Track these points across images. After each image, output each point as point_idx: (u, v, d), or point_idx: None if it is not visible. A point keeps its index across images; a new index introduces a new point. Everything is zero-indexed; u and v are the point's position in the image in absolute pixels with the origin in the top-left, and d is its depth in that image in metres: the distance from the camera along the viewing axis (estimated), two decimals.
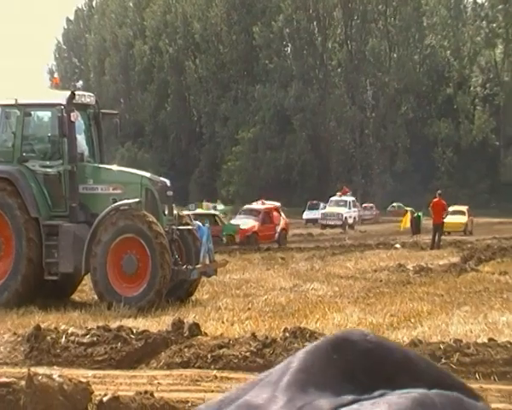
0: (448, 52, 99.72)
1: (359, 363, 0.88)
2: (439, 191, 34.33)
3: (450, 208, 46.85)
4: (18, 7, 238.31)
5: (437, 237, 32.22)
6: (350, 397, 0.86)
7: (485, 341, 9.75)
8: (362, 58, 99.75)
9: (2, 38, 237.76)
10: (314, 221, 61.46)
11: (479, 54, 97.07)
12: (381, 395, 0.86)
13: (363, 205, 74.45)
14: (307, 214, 66.24)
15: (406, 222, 43.17)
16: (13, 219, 15.65)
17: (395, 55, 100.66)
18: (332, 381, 0.87)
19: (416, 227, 40.99)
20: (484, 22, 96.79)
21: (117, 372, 9.15)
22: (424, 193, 66.72)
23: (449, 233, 42.60)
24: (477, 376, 8.59)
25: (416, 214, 42.49)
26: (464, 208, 52.10)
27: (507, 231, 47.21)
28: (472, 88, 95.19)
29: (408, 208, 48.83)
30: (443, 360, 8.84)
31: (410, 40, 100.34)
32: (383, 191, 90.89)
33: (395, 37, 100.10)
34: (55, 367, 9.19)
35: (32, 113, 16.71)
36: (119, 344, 9.71)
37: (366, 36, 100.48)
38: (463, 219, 49.86)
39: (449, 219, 44.35)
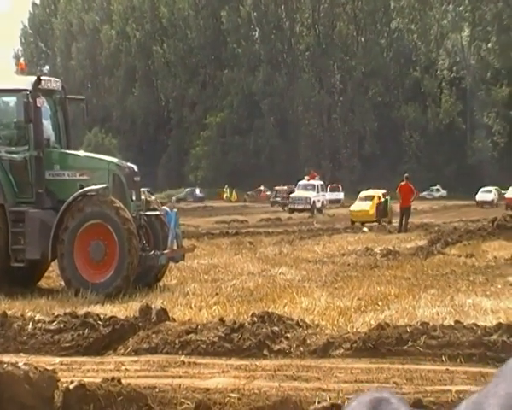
0: (415, 36, 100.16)
1: None
2: (406, 175, 34.46)
3: (363, 193, 44.02)
4: None
5: (404, 221, 32.37)
6: None
7: (452, 323, 9.82)
8: (329, 42, 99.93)
9: None
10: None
11: (445, 37, 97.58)
12: None
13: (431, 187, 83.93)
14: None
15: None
16: None
17: (362, 40, 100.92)
18: None
19: (383, 211, 41.11)
20: (450, 6, 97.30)
21: (84, 359, 9.10)
22: (392, 177, 67.06)
23: (353, 223, 39.12)
24: (443, 358, 8.65)
25: (383, 198, 42.51)
26: (379, 193, 43.37)
27: (473, 213, 47.57)
28: (439, 71, 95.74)
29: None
30: (410, 343, 8.90)
31: (377, 24, 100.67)
32: (351, 175, 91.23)
33: (362, 21, 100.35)
34: (21, 355, 9.13)
35: None
36: (87, 331, 9.66)
37: (334, 20, 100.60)
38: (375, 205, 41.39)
39: (357, 205, 42.24)
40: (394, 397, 1.02)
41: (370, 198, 42.48)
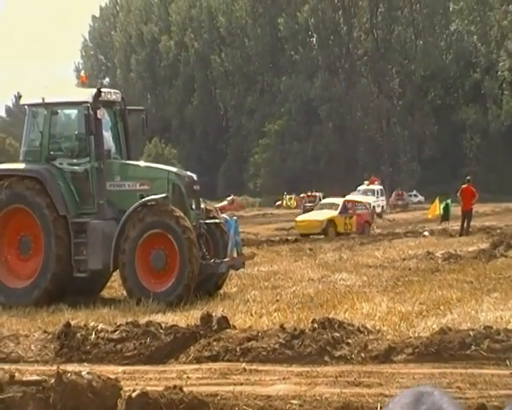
0: (475, 37, 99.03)
1: None
2: (468, 177, 34.01)
3: (326, 200, 41.22)
4: (44, 6, 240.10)
5: (466, 224, 31.99)
6: None
7: None
8: (388, 46, 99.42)
9: (30, 38, 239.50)
10: None
11: (506, 38, 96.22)
12: None
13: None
14: None
15: (435, 210, 42.70)
16: (42, 218, 15.71)
17: (421, 43, 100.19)
18: None
19: (444, 214, 40.63)
20: (511, 6, 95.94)
21: (146, 368, 9.18)
22: (452, 180, 66.33)
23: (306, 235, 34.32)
24: (508, 362, 8.52)
25: (444, 202, 41.97)
26: (339, 201, 38.06)
27: None
28: (499, 72, 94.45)
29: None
30: (473, 347, 8.79)
31: (435, 27, 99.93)
32: (411, 180, 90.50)
33: (421, 24, 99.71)
34: (85, 364, 9.25)
35: (59, 111, 16.72)
36: (149, 339, 9.73)
37: (392, 24, 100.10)
38: (326, 214, 36.12)
39: (306, 216, 38.78)
40: (437, 390, 1.05)
41: (328, 205, 37.65)
